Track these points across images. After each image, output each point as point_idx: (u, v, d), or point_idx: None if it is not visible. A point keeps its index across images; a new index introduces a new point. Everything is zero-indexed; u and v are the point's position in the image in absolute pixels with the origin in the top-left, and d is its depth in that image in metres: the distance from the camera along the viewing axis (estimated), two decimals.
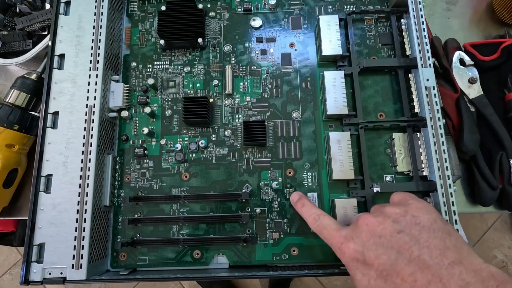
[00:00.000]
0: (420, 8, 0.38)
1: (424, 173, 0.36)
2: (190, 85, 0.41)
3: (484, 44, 0.45)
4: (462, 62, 0.45)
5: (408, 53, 0.40)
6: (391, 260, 0.24)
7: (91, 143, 0.36)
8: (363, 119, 0.38)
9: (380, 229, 0.26)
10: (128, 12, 0.44)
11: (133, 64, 0.42)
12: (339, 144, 0.37)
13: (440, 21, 0.49)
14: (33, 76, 0.43)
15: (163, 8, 0.41)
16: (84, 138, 0.36)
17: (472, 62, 0.44)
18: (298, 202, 0.34)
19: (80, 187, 0.34)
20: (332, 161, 0.36)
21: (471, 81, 0.44)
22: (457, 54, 0.45)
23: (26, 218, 0.43)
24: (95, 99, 0.37)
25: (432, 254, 0.24)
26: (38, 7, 0.44)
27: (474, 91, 0.44)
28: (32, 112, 0.43)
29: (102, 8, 0.39)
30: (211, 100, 0.40)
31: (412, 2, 0.38)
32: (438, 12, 0.49)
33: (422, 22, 0.38)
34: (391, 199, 0.30)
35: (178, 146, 0.39)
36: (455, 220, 0.32)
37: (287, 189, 0.38)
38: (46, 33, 0.45)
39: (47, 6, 0.44)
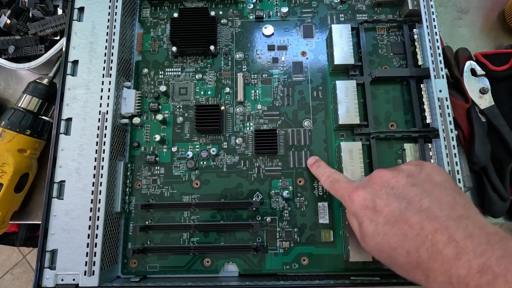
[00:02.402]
0: (434, 19, 0.38)
1: None
2: (202, 92, 0.41)
3: (496, 54, 0.45)
4: (473, 72, 0.45)
5: (420, 63, 0.40)
6: (401, 208, 0.25)
7: (103, 150, 0.36)
8: (374, 129, 0.38)
9: (394, 181, 0.27)
10: (140, 18, 0.44)
11: (145, 70, 0.42)
12: (351, 154, 0.37)
13: (451, 29, 0.49)
14: (45, 81, 0.43)
15: (176, 15, 0.41)
16: (97, 144, 0.36)
17: (483, 72, 0.44)
18: (314, 164, 0.35)
19: (92, 194, 0.35)
20: (344, 171, 0.36)
21: (482, 91, 0.44)
22: (468, 64, 0.45)
23: (36, 222, 0.44)
24: (108, 106, 0.37)
25: (441, 207, 0.24)
26: (50, 12, 0.44)
27: (485, 101, 0.44)
28: (44, 117, 0.44)
29: (116, 14, 0.39)
30: (223, 107, 0.40)
31: (425, 12, 0.38)
32: (449, 21, 0.49)
33: (436, 32, 0.38)
34: (408, 162, 0.31)
35: (190, 153, 0.39)
36: None
37: (298, 198, 0.38)
38: (58, 38, 0.45)
39: (60, 11, 0.45)
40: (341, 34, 0.40)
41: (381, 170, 0.28)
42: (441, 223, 0.23)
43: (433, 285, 0.23)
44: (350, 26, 0.40)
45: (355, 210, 0.27)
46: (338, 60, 0.39)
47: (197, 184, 0.39)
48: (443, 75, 0.37)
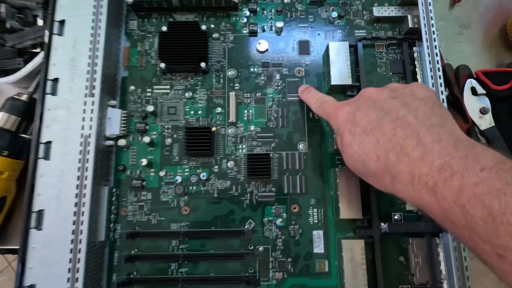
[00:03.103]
0: (434, 39, 0.36)
1: None
2: (192, 112, 0.39)
3: (497, 72, 0.44)
4: (473, 90, 0.43)
5: None
6: (378, 118, 0.25)
7: (86, 176, 0.33)
8: None
9: (377, 95, 0.27)
10: (126, 30, 0.41)
11: (132, 87, 0.39)
12: (348, 181, 0.35)
13: (451, 45, 0.47)
14: (24, 97, 0.41)
15: (164, 28, 0.39)
16: (79, 170, 0.34)
17: (484, 91, 0.43)
18: (305, 90, 0.36)
19: (74, 224, 0.32)
20: (340, 199, 0.35)
21: (483, 111, 0.43)
22: (469, 82, 0.44)
23: (15, 247, 0.42)
24: (90, 128, 0.34)
25: (417, 116, 0.24)
26: (30, 22, 0.41)
27: (485, 122, 0.42)
28: (23, 135, 0.41)
29: (100, 28, 0.37)
30: (214, 128, 0.38)
31: (425, 31, 0.36)
32: (450, 36, 0.47)
33: (436, 53, 0.36)
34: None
35: (178, 178, 0.37)
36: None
37: (292, 226, 0.36)
38: (38, 50, 0.42)
39: (40, 21, 0.42)
40: (339, 52, 0.38)
41: (368, 88, 0.29)
42: (412, 129, 0.23)
43: (397, 186, 0.24)
44: (348, 44, 0.38)
45: (339, 124, 0.28)
46: (335, 80, 0.37)
47: (186, 210, 0.37)
48: (443, 99, 0.35)
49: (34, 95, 0.42)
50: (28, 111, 0.40)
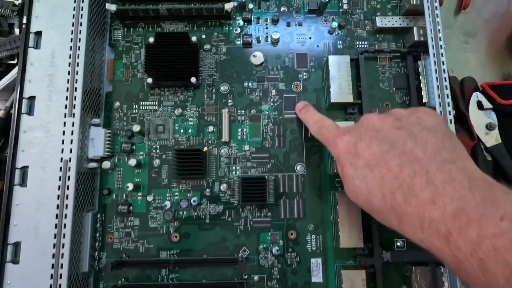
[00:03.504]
0: (442, 54, 0.34)
1: None
2: (182, 131, 0.36)
3: (504, 85, 0.42)
4: (479, 105, 0.41)
5: (425, 100, 0.36)
6: (382, 151, 0.23)
7: (66, 205, 0.31)
8: None
9: (380, 124, 0.25)
10: (111, 41, 0.38)
11: (117, 104, 0.37)
12: (348, 206, 0.33)
13: (457, 55, 0.45)
14: (0, 114, 0.38)
15: (151, 40, 0.36)
16: (58, 198, 0.31)
17: (490, 106, 0.41)
18: (303, 109, 0.34)
19: (53, 258, 0.30)
20: (340, 227, 0.32)
21: (489, 127, 0.40)
22: (475, 96, 0.41)
23: None
24: (71, 151, 0.32)
25: (426, 150, 0.22)
26: (5, 32, 0.38)
27: (492, 138, 0.40)
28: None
29: (79, 41, 0.34)
30: (205, 148, 0.36)
31: (433, 46, 0.34)
32: (455, 45, 0.45)
33: (444, 69, 0.34)
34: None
35: (167, 203, 0.34)
36: None
37: (289, 254, 0.34)
38: (15, 61, 0.39)
39: (17, 30, 0.38)
40: (339, 67, 0.35)
41: (370, 114, 0.26)
42: (421, 166, 0.21)
43: (404, 228, 0.21)
44: (349, 58, 0.36)
45: (339, 155, 0.26)
46: (335, 97, 0.35)
47: (176, 237, 0.34)
48: (451, 120, 0.33)
49: (11, 111, 0.39)
50: (4, 128, 0.38)
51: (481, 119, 0.41)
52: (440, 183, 0.20)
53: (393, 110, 0.26)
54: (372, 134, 0.24)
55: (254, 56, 0.37)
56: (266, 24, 0.38)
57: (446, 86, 0.33)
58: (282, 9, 0.39)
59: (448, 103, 0.33)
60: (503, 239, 0.17)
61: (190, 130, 0.36)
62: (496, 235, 0.17)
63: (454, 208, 0.19)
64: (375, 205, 0.23)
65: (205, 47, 0.38)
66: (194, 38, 0.36)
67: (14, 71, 0.37)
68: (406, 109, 0.26)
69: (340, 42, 0.38)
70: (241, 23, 0.38)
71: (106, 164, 0.35)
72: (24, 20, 0.33)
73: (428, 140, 0.23)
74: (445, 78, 0.33)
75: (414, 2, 0.36)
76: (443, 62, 0.34)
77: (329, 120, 0.30)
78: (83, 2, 0.34)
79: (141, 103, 0.37)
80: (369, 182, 0.23)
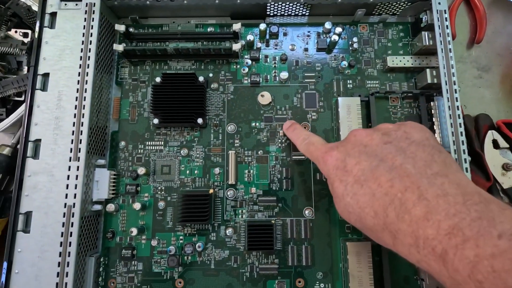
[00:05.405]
0: (456, 98, 0.33)
1: None
2: (187, 172, 0.36)
3: None
4: (495, 143, 0.40)
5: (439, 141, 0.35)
6: (371, 166, 0.23)
7: (69, 252, 0.30)
8: None
9: (368, 139, 0.25)
10: (117, 79, 0.38)
11: (122, 144, 0.36)
12: (358, 257, 0.32)
13: (470, 90, 0.43)
14: (6, 151, 0.37)
15: (158, 79, 0.35)
16: (61, 245, 0.30)
17: (507, 145, 0.40)
18: (290, 127, 0.33)
19: None
20: (350, 279, 0.31)
21: (506, 168, 0.39)
22: (490, 134, 0.40)
23: None
24: (75, 197, 0.31)
25: (416, 164, 0.21)
26: (13, 69, 0.38)
27: (508, 180, 0.39)
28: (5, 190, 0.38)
29: (86, 83, 0.33)
30: (211, 191, 0.35)
31: (447, 90, 0.33)
32: (469, 80, 0.44)
33: (459, 115, 0.32)
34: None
35: (172, 248, 0.33)
36: None
37: None
38: (22, 98, 0.39)
39: (25, 68, 0.39)
40: (349, 109, 0.34)
41: (357, 129, 0.26)
42: (412, 181, 0.20)
43: (399, 248, 0.21)
44: (360, 99, 0.35)
45: (328, 171, 0.25)
46: None
47: (180, 283, 0.33)
48: (467, 168, 0.31)
49: (17, 147, 0.39)
50: (10, 166, 0.37)
51: (497, 159, 0.39)
52: (432, 198, 0.19)
53: (380, 125, 0.26)
54: (361, 150, 0.24)
55: (262, 96, 0.37)
56: (275, 63, 0.38)
57: (461, 133, 0.32)
58: (290, 47, 0.38)
59: (463, 142, 0.32)
60: (502, 260, 0.15)
61: (196, 171, 0.36)
62: (495, 255, 0.16)
63: (449, 225, 0.18)
64: (368, 223, 0.22)
65: (212, 86, 0.37)
66: (201, 78, 0.36)
67: (21, 109, 0.37)
68: (393, 124, 0.26)
69: (350, 81, 0.37)
70: (249, 62, 0.37)
71: (111, 207, 0.34)
72: (32, 62, 0.33)
73: (417, 155, 0.22)
74: (459, 124, 0.32)
75: (427, 43, 0.35)
76: (457, 107, 0.33)
77: (316, 137, 0.30)
78: (90, 44, 0.34)
79: (147, 143, 0.36)
80: (359, 198, 0.22)
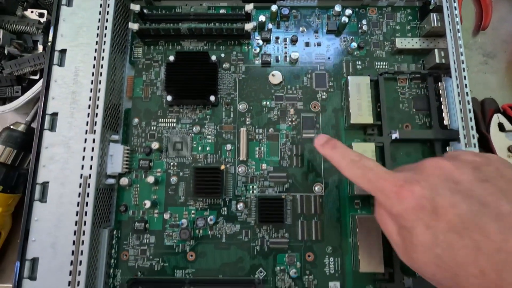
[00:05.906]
0: (465, 76, 0.33)
1: None
2: (199, 148, 0.36)
3: None
4: (501, 126, 0.41)
5: (446, 122, 0.35)
6: (472, 211, 0.18)
7: (85, 222, 0.31)
8: None
9: (458, 174, 0.20)
10: (131, 58, 0.39)
11: (135, 120, 0.37)
12: (368, 231, 0.32)
13: (476, 76, 0.44)
14: (21, 128, 0.38)
15: (171, 58, 0.36)
16: (77, 215, 0.31)
17: None
18: (328, 144, 0.26)
19: (70, 275, 0.30)
20: (360, 251, 0.32)
21: (511, 150, 0.40)
22: (496, 118, 0.41)
23: (8, 285, 0.39)
24: (91, 168, 0.32)
25: None
26: (29, 48, 0.39)
27: None
28: (20, 167, 0.39)
29: (103, 59, 0.34)
30: (223, 167, 0.35)
31: (455, 69, 0.34)
32: (474, 66, 0.44)
33: (467, 92, 0.33)
34: (461, 151, 0.24)
35: (184, 221, 0.34)
36: None
37: (306, 276, 0.33)
38: (37, 77, 0.40)
39: (40, 47, 0.39)
40: (359, 88, 0.35)
41: (437, 159, 0.22)
42: None
43: None
44: (369, 78, 0.35)
45: (403, 212, 0.20)
46: (354, 118, 0.34)
47: (192, 256, 0.34)
48: (475, 144, 0.32)
49: (32, 124, 0.39)
50: (25, 142, 0.38)
51: (503, 141, 0.40)
52: None
53: (463, 156, 0.22)
54: (452, 187, 0.20)
55: (272, 75, 0.38)
56: (285, 44, 0.39)
57: (469, 110, 0.33)
58: (301, 29, 0.39)
59: (472, 127, 0.32)
60: None
61: (207, 148, 0.36)
62: None
63: None
64: (466, 283, 0.18)
65: (224, 66, 0.38)
66: (213, 57, 0.37)
67: (36, 87, 0.38)
68: (475, 155, 0.22)
69: (359, 62, 0.38)
70: (260, 42, 0.38)
71: (124, 181, 0.35)
72: (50, 38, 0.34)
73: None
74: (468, 101, 0.33)
75: (435, 24, 0.36)
76: (466, 85, 0.33)
77: (369, 159, 0.24)
78: (107, 21, 0.35)
79: (160, 120, 0.37)
80: (458, 252, 0.18)
